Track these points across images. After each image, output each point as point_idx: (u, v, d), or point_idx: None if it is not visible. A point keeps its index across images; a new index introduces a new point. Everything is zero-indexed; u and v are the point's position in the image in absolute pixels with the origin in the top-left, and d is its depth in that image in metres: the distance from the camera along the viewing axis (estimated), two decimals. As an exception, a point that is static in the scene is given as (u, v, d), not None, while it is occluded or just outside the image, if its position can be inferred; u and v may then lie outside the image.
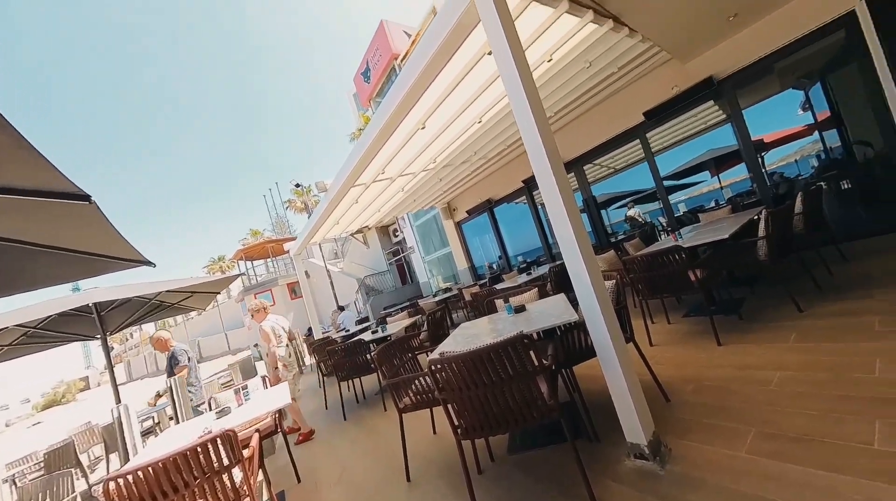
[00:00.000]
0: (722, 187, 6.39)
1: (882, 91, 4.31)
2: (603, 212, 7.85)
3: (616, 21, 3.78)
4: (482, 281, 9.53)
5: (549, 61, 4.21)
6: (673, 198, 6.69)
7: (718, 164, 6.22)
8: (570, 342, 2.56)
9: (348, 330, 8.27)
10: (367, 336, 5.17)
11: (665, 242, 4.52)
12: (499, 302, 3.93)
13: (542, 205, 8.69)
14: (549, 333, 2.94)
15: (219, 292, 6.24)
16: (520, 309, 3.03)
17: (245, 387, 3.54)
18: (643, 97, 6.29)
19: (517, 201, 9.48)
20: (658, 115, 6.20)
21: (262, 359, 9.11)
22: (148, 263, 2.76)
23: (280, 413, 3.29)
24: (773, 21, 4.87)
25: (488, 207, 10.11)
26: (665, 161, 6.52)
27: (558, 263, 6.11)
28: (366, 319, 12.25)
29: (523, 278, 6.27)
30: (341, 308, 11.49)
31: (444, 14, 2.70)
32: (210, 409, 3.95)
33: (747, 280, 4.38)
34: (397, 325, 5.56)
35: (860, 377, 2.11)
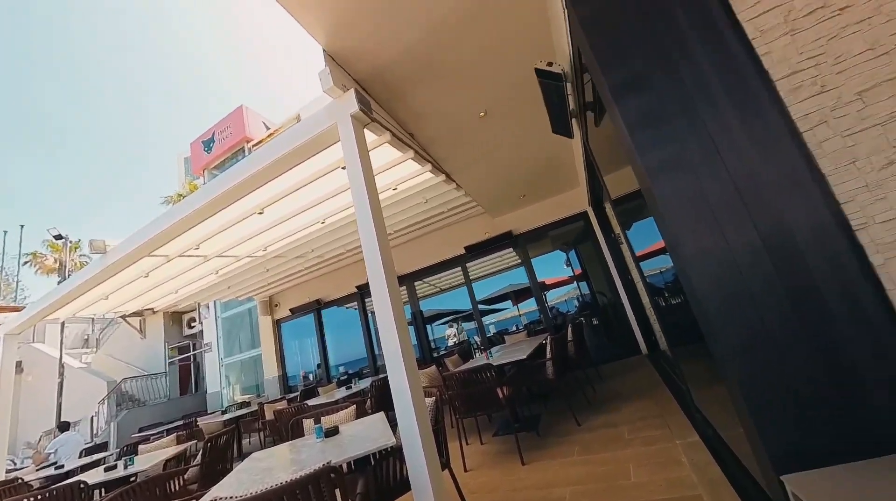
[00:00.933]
0: (520, 315, 7.87)
1: (606, 262, 6.46)
2: (428, 327, 8.36)
3: (448, 177, 4.77)
4: (293, 394, 8.21)
5: (394, 189, 4.76)
6: (486, 320, 7.79)
7: (518, 296, 7.76)
8: (384, 474, 2.29)
9: (62, 465, 5.43)
10: (94, 476, 3.48)
11: (479, 359, 5.00)
12: (309, 422, 3.36)
13: (374, 313, 8.70)
14: (361, 461, 2.60)
15: None
16: (332, 432, 2.64)
17: None
18: (465, 234, 7.65)
19: (348, 305, 9.23)
20: (475, 250, 7.59)
21: None
22: None
23: None
24: (546, 205, 7.12)
25: (316, 307, 9.46)
26: (480, 288, 7.75)
27: (381, 376, 5.90)
28: (103, 445, 8.47)
29: (342, 392, 5.72)
30: (65, 426, 7.71)
31: (307, 124, 2.83)
32: None
33: (541, 396, 5.10)
34: (155, 456, 4.01)
35: (623, 483, 2.53)
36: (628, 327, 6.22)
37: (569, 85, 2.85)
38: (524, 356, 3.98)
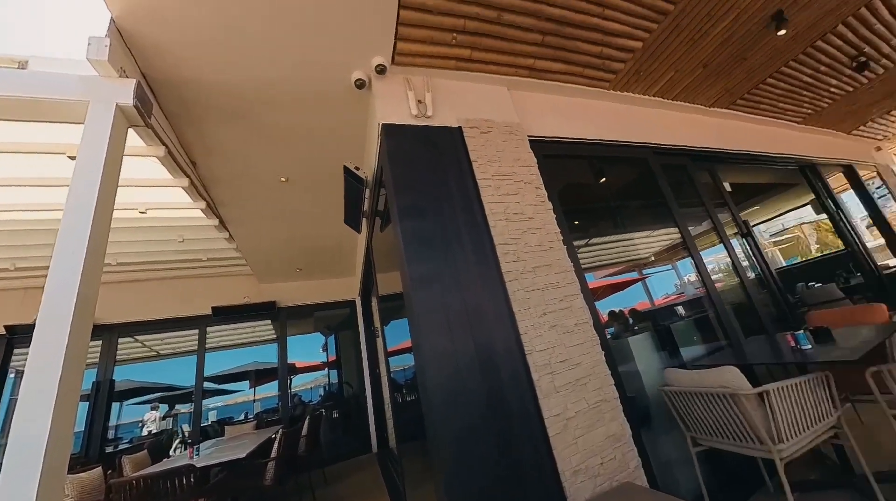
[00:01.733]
0: (255, 400, 6.77)
1: (360, 353, 6.67)
2: (117, 405, 5.96)
3: (222, 223, 4.18)
4: None
5: (141, 212, 3.77)
6: (209, 402, 6.24)
7: (258, 376, 6.76)
8: None
9: None
10: None
11: (179, 458, 3.84)
12: None
13: (21, 374, 5.59)
14: None
15: None
16: None
17: None
18: (218, 292, 6.41)
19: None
20: (225, 314, 6.34)
21: None
22: None
23: None
24: (320, 285, 7.00)
25: None
26: (215, 360, 6.35)
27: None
28: None
29: None
30: None
31: (41, 79, 1.96)
32: None
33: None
34: None
35: None
36: (365, 422, 6.31)
37: (367, 190, 3.24)
38: (243, 455, 3.35)
